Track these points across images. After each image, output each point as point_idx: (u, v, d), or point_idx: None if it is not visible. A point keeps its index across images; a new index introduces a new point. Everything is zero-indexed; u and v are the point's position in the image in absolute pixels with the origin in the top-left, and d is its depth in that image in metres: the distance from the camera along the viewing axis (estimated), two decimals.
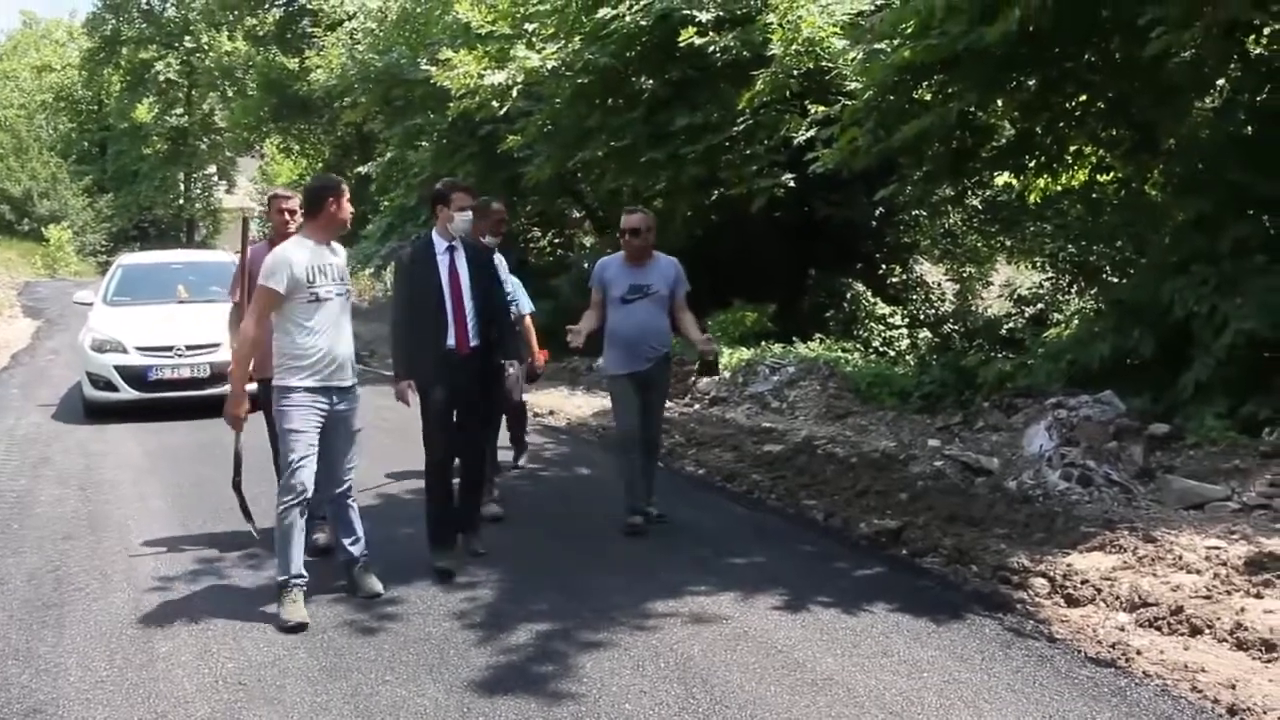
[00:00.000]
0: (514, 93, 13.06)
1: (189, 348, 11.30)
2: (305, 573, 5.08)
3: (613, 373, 6.63)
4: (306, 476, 5.01)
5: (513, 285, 7.25)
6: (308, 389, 5.02)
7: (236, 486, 6.13)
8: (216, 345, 10.89)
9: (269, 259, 5.10)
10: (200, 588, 5.59)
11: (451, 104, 13.75)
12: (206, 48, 41.28)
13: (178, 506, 7.35)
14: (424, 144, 18.37)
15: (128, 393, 11.18)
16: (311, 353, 5.03)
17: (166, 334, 11.43)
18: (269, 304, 5.04)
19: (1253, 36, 8.35)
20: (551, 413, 11.67)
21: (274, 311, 5.09)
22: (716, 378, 11.19)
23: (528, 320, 7.69)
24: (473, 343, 5.70)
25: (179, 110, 46.04)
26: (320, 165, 31.46)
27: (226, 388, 5.54)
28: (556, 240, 21.55)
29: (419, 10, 18.55)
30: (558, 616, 5.03)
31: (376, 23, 20.01)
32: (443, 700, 4.12)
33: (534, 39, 13.30)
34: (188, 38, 43.36)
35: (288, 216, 6.09)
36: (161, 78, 43.92)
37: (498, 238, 7.04)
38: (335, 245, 5.25)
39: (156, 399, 11.17)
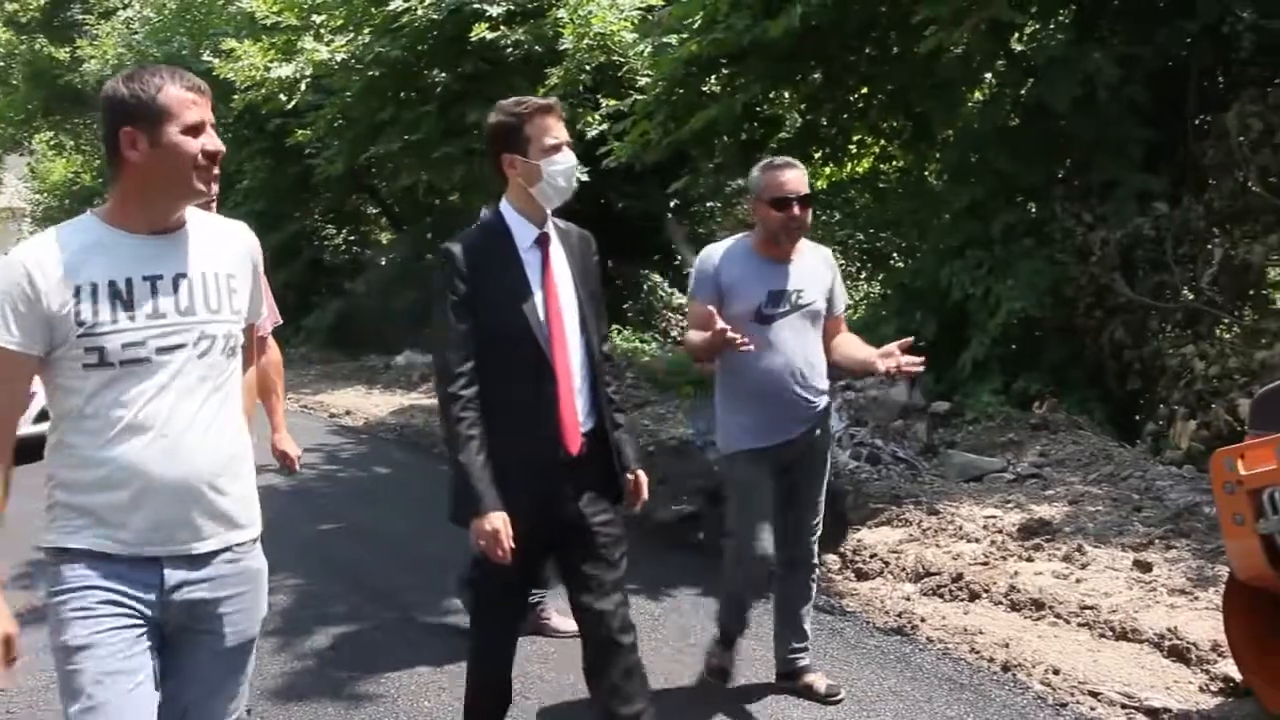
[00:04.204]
0: (303, 86, 12.70)
1: None
2: None
3: (738, 449, 3.80)
4: None
5: None
6: (99, 558, 2.18)
7: None
8: None
9: None
10: None
11: (237, 97, 13.27)
12: None
13: None
14: None
15: None
16: (98, 480, 2.17)
17: None
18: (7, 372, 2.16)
19: (1016, 35, 8.85)
20: (348, 413, 11.44)
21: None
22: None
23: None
24: (584, 427, 3.01)
25: None
26: (98, 162, 29.78)
27: None
28: (351, 238, 21.25)
29: None
30: (356, 618, 4.93)
31: (155, 11, 19.14)
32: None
33: (322, 31, 12.96)
34: None
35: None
36: None
37: None
38: (219, 230, 2.34)
39: None
